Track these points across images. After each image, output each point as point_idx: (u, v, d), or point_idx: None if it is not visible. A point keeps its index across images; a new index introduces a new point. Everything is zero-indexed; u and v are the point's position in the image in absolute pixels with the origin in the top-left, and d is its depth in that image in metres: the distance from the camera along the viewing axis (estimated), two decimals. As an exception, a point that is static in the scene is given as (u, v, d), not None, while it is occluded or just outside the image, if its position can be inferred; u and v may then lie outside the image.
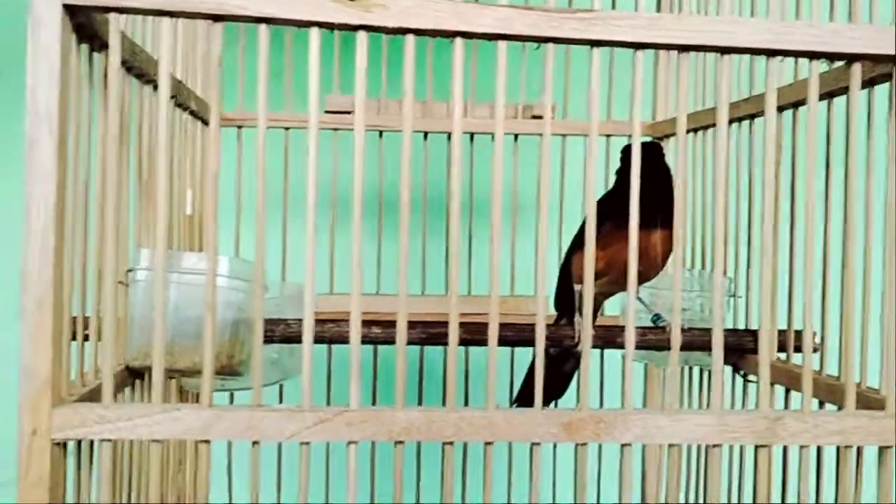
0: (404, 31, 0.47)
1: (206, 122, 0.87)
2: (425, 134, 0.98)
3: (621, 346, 0.76)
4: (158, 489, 0.47)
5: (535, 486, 0.50)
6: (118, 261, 0.59)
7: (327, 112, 0.95)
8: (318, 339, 0.69)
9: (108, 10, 0.46)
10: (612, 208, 0.65)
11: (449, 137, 0.96)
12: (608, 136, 0.99)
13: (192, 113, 0.82)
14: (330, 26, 0.47)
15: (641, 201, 0.50)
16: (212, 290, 0.47)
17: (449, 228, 0.49)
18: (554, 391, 0.83)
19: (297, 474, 0.49)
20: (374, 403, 0.95)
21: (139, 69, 0.62)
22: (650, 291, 0.82)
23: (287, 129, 0.95)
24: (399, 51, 0.96)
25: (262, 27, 0.47)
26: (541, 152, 0.50)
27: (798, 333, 0.70)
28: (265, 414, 0.47)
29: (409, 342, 0.69)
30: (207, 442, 0.47)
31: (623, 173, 0.74)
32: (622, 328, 0.76)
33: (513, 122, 0.98)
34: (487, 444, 0.49)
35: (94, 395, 0.50)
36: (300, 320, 0.70)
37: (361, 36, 0.47)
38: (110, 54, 0.47)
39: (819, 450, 0.62)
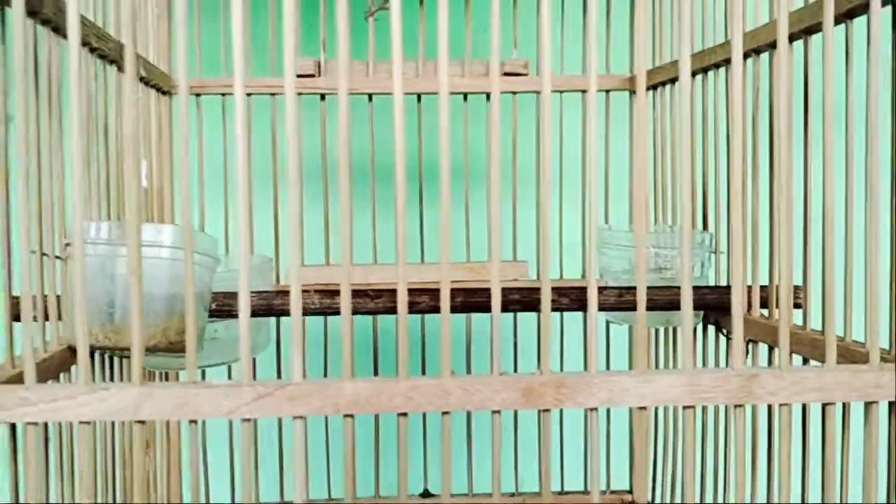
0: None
1: (160, 90, 0.83)
2: (419, 96, 0.92)
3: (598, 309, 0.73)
4: (91, 474, 0.44)
5: (497, 454, 0.47)
6: (53, 234, 0.56)
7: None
8: (272, 312, 0.66)
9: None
10: None
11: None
12: (607, 91, 0.94)
13: (143, 80, 0.78)
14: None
15: None
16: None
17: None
18: None
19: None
20: (376, 374, 0.91)
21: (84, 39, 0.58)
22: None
23: (249, 94, 0.91)
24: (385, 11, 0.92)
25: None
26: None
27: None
28: (199, 391, 0.43)
29: (372, 311, 0.67)
30: (142, 422, 0.44)
31: None
32: (598, 290, 0.73)
33: (505, 80, 0.92)
34: (444, 413, 0.46)
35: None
36: (257, 293, 0.67)
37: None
38: (14, 9, 0.43)
39: (804, 407, 0.59)
